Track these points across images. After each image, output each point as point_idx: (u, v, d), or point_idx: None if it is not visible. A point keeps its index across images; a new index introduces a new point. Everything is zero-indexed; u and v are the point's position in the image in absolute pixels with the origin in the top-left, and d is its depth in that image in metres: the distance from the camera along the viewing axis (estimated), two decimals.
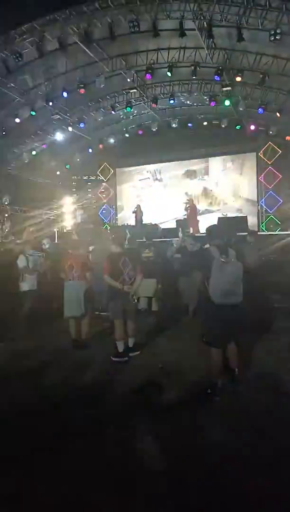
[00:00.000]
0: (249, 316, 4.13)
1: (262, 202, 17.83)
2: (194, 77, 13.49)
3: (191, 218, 13.93)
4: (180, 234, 7.77)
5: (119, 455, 2.99)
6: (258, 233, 11.58)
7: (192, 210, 14.25)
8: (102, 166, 20.94)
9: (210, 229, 4.28)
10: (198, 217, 14.39)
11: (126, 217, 19.71)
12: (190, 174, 19.53)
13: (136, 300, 5.29)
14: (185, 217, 14.56)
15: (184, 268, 7.10)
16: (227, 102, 14.56)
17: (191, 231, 12.38)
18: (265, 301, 6.54)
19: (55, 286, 6.44)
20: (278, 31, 9.98)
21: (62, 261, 5.98)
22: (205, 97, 15.48)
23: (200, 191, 18.87)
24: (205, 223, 13.66)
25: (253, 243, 7.77)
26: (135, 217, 15.95)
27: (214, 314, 3.86)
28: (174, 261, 7.74)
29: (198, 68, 12.88)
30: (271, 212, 17.48)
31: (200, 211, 16.53)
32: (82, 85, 13.47)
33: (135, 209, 15.88)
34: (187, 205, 14.67)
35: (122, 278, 5.12)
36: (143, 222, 15.50)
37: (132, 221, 16.86)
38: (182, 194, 17.92)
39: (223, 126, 17.04)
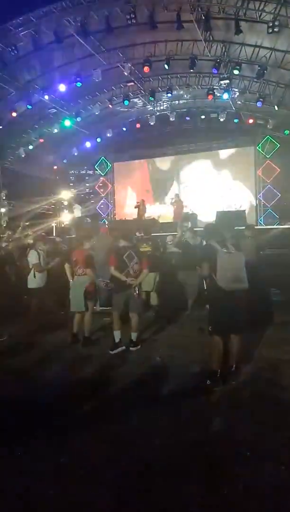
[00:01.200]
0: (249, 309, 4.18)
1: (260, 196, 17.82)
2: (191, 70, 13.39)
3: (177, 214, 13.92)
4: (178, 229, 7.74)
5: (118, 449, 3.00)
6: (256, 227, 11.55)
7: (178, 207, 14.24)
8: (100, 160, 20.81)
9: (208, 227, 4.34)
10: (194, 213, 14.35)
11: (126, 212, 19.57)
12: (189, 168, 19.45)
13: (136, 293, 5.32)
14: (173, 213, 14.51)
15: (183, 263, 7.09)
16: (225, 96, 14.47)
17: (190, 225, 12.33)
18: (265, 295, 6.55)
19: (60, 282, 6.43)
20: (276, 23, 9.91)
21: (69, 257, 6.01)
22: (203, 90, 15.36)
23: (198, 186, 18.78)
24: (204, 217, 13.70)
25: (251, 238, 7.77)
26: (138, 211, 15.71)
27: (221, 301, 4.00)
28: (173, 255, 7.73)
29: (195, 61, 12.76)
30: (269, 206, 17.49)
31: (200, 206, 16.43)
32: (79, 78, 13.34)
33: (138, 204, 15.37)
34: (173, 201, 14.62)
35: (126, 271, 5.21)
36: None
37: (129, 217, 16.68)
38: (180, 190, 17.82)
39: (221, 119, 16.95)
